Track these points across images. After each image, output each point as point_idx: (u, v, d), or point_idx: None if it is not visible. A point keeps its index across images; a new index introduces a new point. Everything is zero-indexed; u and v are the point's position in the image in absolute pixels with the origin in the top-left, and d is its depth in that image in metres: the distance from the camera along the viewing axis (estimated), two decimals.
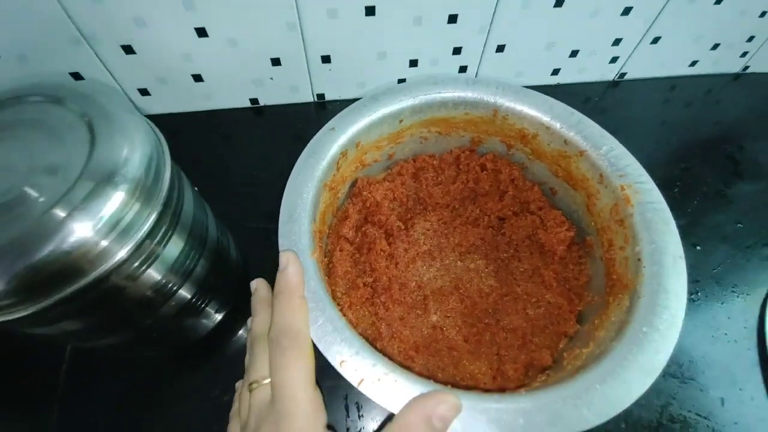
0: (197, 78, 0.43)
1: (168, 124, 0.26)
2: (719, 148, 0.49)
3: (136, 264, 0.22)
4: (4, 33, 0.36)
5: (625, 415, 0.32)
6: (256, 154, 0.45)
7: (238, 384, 0.26)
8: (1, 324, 0.20)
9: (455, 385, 0.23)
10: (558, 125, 0.31)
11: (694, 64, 0.53)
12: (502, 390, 0.26)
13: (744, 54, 0.53)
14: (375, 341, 0.29)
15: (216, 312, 0.33)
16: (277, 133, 0.46)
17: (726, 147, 0.49)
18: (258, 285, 0.25)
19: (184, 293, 0.28)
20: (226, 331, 0.34)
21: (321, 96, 0.48)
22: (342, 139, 0.30)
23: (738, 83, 0.56)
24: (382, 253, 0.31)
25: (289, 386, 0.20)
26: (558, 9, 0.42)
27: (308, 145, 0.30)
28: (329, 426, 0.21)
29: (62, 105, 0.21)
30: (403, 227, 0.34)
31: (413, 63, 0.45)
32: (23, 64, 0.38)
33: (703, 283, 0.39)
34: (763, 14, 0.48)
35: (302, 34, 0.40)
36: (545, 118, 0.32)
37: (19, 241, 0.19)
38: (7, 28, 0.35)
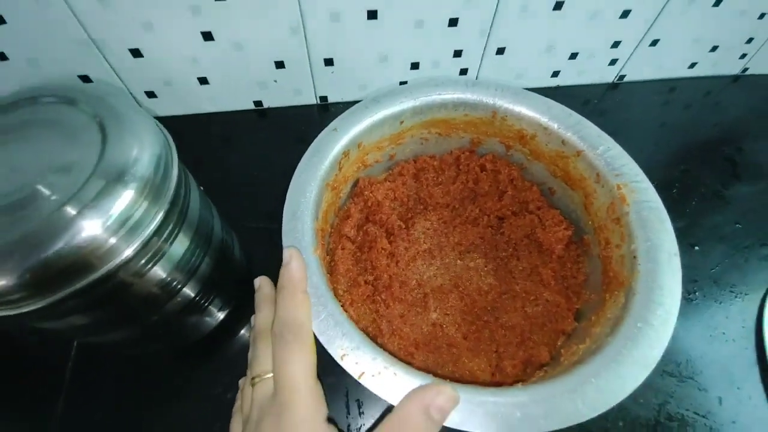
0: (203, 81, 0.44)
1: (173, 126, 0.26)
2: (718, 149, 0.49)
3: (144, 261, 0.23)
4: (14, 36, 0.36)
5: (623, 414, 0.32)
6: (260, 155, 0.45)
7: (241, 381, 0.26)
8: (12, 317, 0.20)
9: (454, 380, 0.24)
10: (556, 126, 0.32)
11: (693, 65, 0.53)
12: (500, 385, 0.26)
13: (743, 56, 0.54)
14: (376, 338, 0.29)
15: (219, 311, 0.33)
16: (281, 135, 0.47)
17: (724, 148, 0.49)
18: (261, 282, 0.26)
19: (189, 291, 0.28)
20: (228, 330, 0.34)
21: (324, 98, 0.49)
22: (344, 140, 0.31)
23: (737, 85, 0.56)
24: (383, 251, 0.32)
25: (292, 378, 0.20)
26: (557, 12, 0.42)
27: (311, 145, 0.31)
28: (330, 418, 0.21)
29: (75, 106, 0.22)
30: (403, 226, 0.34)
31: (415, 65, 0.46)
32: (33, 67, 0.39)
33: (701, 282, 0.39)
34: (761, 16, 0.48)
35: (305, 38, 0.41)
36: (543, 119, 0.32)
37: (31, 237, 0.19)
38: (17, 32, 0.36)
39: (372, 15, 0.39)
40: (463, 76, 0.48)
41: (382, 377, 0.21)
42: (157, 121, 0.25)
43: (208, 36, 0.39)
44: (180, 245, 0.25)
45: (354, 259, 0.32)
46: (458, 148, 0.38)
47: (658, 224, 0.26)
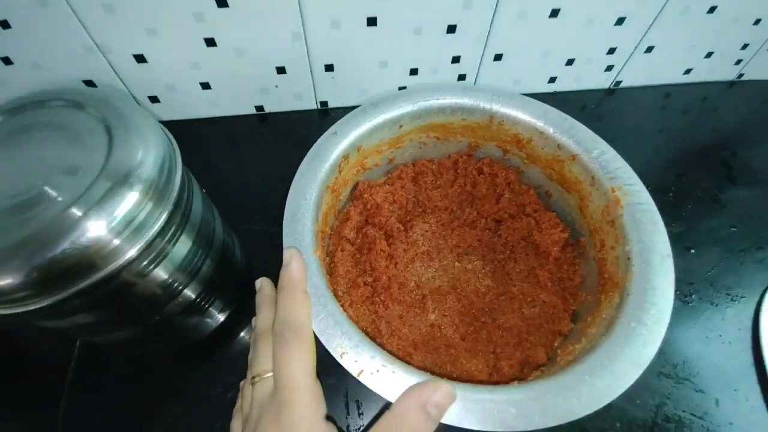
0: (205, 86, 0.44)
1: (176, 130, 0.27)
2: (713, 154, 0.49)
3: (147, 261, 0.23)
4: (19, 41, 0.37)
5: (620, 414, 0.32)
6: (261, 159, 0.46)
7: (241, 383, 0.27)
8: (18, 315, 0.21)
9: (452, 380, 0.24)
10: (551, 130, 0.32)
11: (688, 72, 0.54)
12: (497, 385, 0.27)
13: (738, 61, 0.54)
14: (375, 338, 0.30)
15: (219, 312, 0.34)
16: (281, 139, 0.47)
17: (720, 153, 0.49)
18: (263, 283, 0.26)
19: (190, 292, 0.29)
20: (228, 331, 0.35)
21: (324, 103, 0.49)
22: (344, 144, 0.32)
23: (733, 90, 0.57)
24: (382, 253, 0.32)
25: (292, 377, 0.21)
26: (553, 19, 0.43)
27: (312, 149, 0.31)
28: (328, 417, 0.21)
29: (82, 109, 0.23)
30: (402, 229, 0.35)
31: (413, 71, 0.46)
32: (37, 71, 0.40)
33: (697, 285, 0.39)
34: (756, 22, 0.49)
35: (306, 44, 0.42)
36: (539, 124, 0.33)
37: (37, 237, 0.20)
38: (22, 37, 0.37)
39: (371, 22, 0.40)
40: (461, 82, 0.49)
41: (381, 375, 0.22)
42: (162, 125, 0.26)
43: (210, 42, 0.40)
44: (182, 246, 0.26)
45: (353, 260, 0.33)
46: (456, 152, 0.38)
47: (651, 226, 0.27)
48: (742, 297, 0.38)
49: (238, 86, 0.45)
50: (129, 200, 0.21)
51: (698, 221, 0.43)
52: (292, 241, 0.26)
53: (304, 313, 0.23)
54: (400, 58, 0.45)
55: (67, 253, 0.20)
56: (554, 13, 0.42)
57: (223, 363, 0.34)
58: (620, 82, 0.54)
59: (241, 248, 0.36)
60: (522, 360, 0.29)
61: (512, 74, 0.49)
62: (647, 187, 0.29)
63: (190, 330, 0.32)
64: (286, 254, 0.25)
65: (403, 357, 0.29)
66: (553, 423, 0.20)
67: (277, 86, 0.46)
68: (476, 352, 0.30)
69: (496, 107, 0.34)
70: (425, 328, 0.31)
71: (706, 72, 0.55)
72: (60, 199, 0.20)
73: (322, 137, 0.32)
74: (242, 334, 0.35)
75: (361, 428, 0.31)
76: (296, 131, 0.48)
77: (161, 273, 0.25)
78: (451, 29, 0.42)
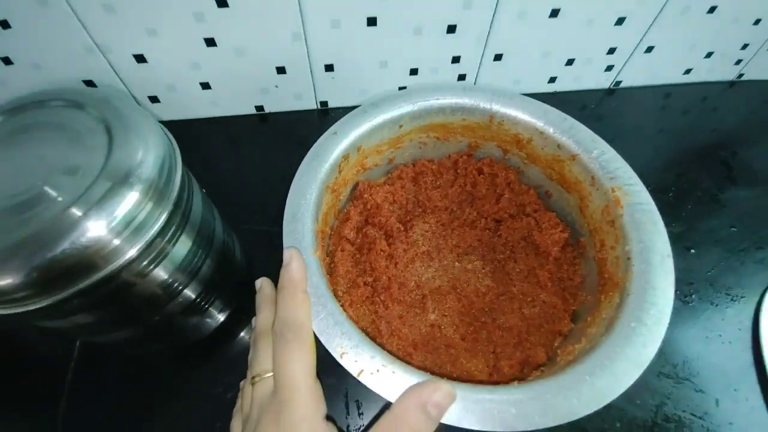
0: (205, 86, 0.44)
1: (176, 130, 0.27)
2: (713, 154, 0.49)
3: (147, 261, 0.23)
4: (19, 41, 0.37)
5: (620, 415, 0.32)
6: (261, 159, 0.46)
7: (241, 383, 0.27)
8: (18, 315, 0.21)
9: (452, 380, 0.24)
10: (551, 130, 0.32)
11: (688, 72, 0.54)
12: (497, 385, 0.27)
13: (738, 61, 0.54)
14: (375, 338, 0.30)
15: (219, 312, 0.34)
16: (281, 139, 0.47)
17: (720, 153, 0.49)
18: (263, 283, 0.26)
19: (190, 292, 0.29)
20: (228, 331, 0.35)
21: (324, 103, 0.49)
22: (344, 144, 0.32)
23: (733, 90, 0.57)
24: (382, 253, 0.32)
25: (292, 377, 0.21)
26: (553, 19, 0.43)
27: (312, 149, 0.31)
28: (329, 417, 0.21)
29: (82, 109, 0.23)
30: (402, 229, 0.35)
31: (414, 71, 0.46)
32: (37, 71, 0.40)
33: (697, 285, 0.39)
34: (756, 22, 0.49)
35: (306, 44, 0.42)
36: (539, 124, 0.33)
37: (37, 236, 0.20)
38: (22, 37, 0.37)
39: (371, 22, 0.40)
40: (461, 82, 0.49)
41: (381, 375, 0.22)
42: (162, 125, 0.26)
43: (210, 42, 0.40)
44: (182, 246, 0.26)
45: (353, 260, 0.33)
46: (456, 152, 0.38)
47: (651, 226, 0.27)
48: (742, 297, 0.39)
49: (238, 86, 0.45)
50: (129, 200, 0.21)
51: (698, 221, 0.43)
52: (292, 241, 0.26)
53: (304, 313, 0.23)
54: (400, 58, 0.45)
55: (67, 253, 0.20)
56: (554, 13, 0.42)
57: (223, 363, 0.34)
58: (620, 82, 0.54)
59: (241, 248, 0.36)
60: (522, 360, 0.29)
61: (512, 74, 0.49)
62: (647, 187, 0.30)
63: (190, 330, 0.33)
64: (286, 254, 0.25)
65: (403, 357, 0.29)
66: (553, 423, 0.20)
67: (277, 86, 0.46)
68: (476, 352, 0.30)
69: (496, 107, 0.34)
70: (425, 328, 0.31)
71: (706, 72, 0.55)
72: (60, 199, 0.20)
73: (322, 137, 0.32)
74: (242, 334, 0.35)
75: (362, 428, 0.31)
76: (296, 131, 0.48)
77: (161, 273, 0.25)
78: (451, 29, 0.42)
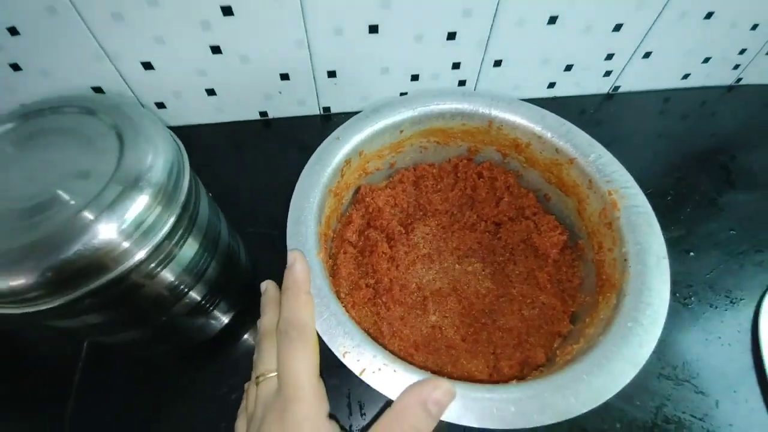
0: (210, 92, 0.45)
1: (182, 136, 0.27)
2: (712, 158, 0.50)
3: (155, 263, 0.24)
4: (28, 48, 0.38)
5: (620, 416, 0.32)
6: (265, 164, 0.47)
7: (246, 384, 0.27)
8: (30, 315, 0.21)
9: (452, 380, 0.24)
10: (549, 135, 0.33)
11: (686, 77, 0.55)
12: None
13: (736, 66, 0.55)
14: (376, 339, 0.30)
15: (224, 314, 0.34)
16: (285, 144, 0.48)
17: (719, 157, 0.50)
18: (267, 285, 0.27)
19: (196, 294, 0.29)
20: (233, 333, 0.35)
21: (327, 109, 0.50)
22: (346, 148, 0.32)
23: (731, 95, 0.57)
24: (383, 255, 0.33)
25: (296, 375, 0.21)
26: (552, 25, 0.44)
27: (314, 153, 0.32)
28: (331, 415, 0.22)
29: (94, 116, 0.24)
30: (403, 232, 0.35)
31: (414, 77, 0.47)
32: (45, 77, 0.40)
33: (696, 288, 0.39)
34: (754, 27, 0.49)
35: (310, 51, 0.42)
36: (537, 128, 0.33)
37: (50, 239, 0.20)
38: (31, 44, 0.37)
39: (373, 29, 0.41)
40: (461, 87, 0.49)
41: (383, 374, 0.22)
42: (170, 131, 0.27)
43: (216, 49, 0.41)
44: (189, 249, 0.26)
45: (356, 263, 0.33)
46: (456, 156, 0.39)
47: (647, 228, 0.27)
48: (741, 299, 0.39)
49: (242, 92, 0.46)
50: (139, 204, 0.22)
51: (697, 225, 0.44)
52: (295, 244, 0.27)
53: (307, 314, 0.23)
54: (401, 64, 0.45)
55: (79, 254, 0.20)
56: (552, 20, 0.43)
57: (227, 364, 0.34)
58: (619, 87, 0.54)
59: (245, 251, 0.37)
60: (522, 361, 0.29)
61: (512, 80, 0.50)
62: (646, 191, 0.30)
63: (196, 331, 0.33)
64: (290, 256, 0.25)
65: (405, 358, 0.29)
66: (551, 420, 0.21)
67: (280, 92, 0.47)
68: (476, 353, 0.31)
69: (495, 112, 0.34)
70: (426, 330, 0.32)
71: (705, 77, 0.55)
72: (72, 202, 0.21)
73: (324, 142, 0.32)
74: (246, 336, 0.36)
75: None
76: (299, 136, 0.48)
77: (168, 275, 0.26)
78: (451, 36, 0.43)
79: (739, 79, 0.57)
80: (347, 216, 0.36)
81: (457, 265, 0.35)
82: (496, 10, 0.41)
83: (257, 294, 0.27)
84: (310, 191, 0.29)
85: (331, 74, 0.45)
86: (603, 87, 0.54)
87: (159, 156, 0.23)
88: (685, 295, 0.39)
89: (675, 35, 0.48)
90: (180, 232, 0.25)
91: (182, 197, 0.24)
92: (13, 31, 0.36)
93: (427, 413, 0.20)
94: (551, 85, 0.52)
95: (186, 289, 0.28)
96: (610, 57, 0.49)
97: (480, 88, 0.50)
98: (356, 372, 0.22)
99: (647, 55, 0.50)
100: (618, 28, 0.45)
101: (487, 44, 0.45)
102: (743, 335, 0.37)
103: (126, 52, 0.40)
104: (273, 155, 0.47)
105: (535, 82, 0.51)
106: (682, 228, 0.43)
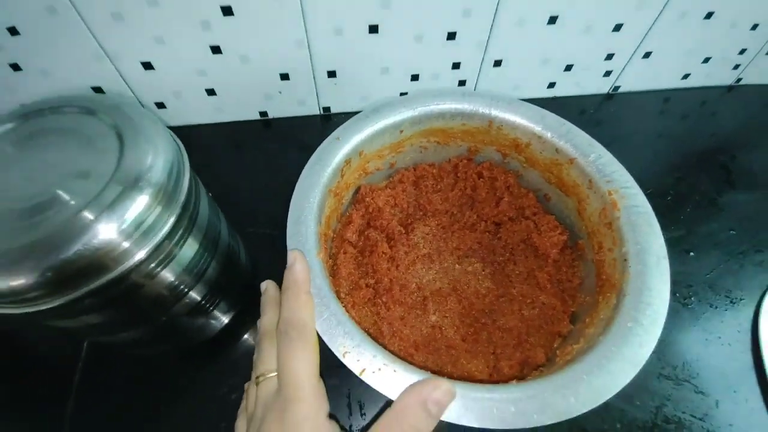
0: (210, 92, 0.45)
1: (182, 136, 0.27)
2: (712, 158, 0.50)
3: (155, 263, 0.24)
4: (28, 48, 0.38)
5: (620, 416, 0.32)
6: (265, 164, 0.47)
7: (246, 385, 0.27)
8: (31, 315, 0.21)
9: (452, 380, 0.24)
10: (549, 135, 0.33)
11: (686, 77, 0.55)
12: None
13: (736, 66, 0.55)
14: (377, 339, 0.30)
15: (224, 314, 0.34)
16: (285, 144, 0.48)
17: (719, 157, 0.50)
18: (267, 286, 0.27)
19: (196, 294, 0.29)
20: (233, 333, 0.35)
21: (327, 109, 0.50)
22: (346, 148, 0.32)
23: (732, 95, 0.57)
24: (383, 255, 0.33)
25: (296, 375, 0.21)
26: (552, 26, 0.44)
27: (314, 153, 0.32)
28: (331, 415, 0.22)
29: (94, 116, 0.24)
30: (403, 232, 0.35)
31: (415, 77, 0.47)
32: (45, 77, 0.40)
33: (696, 288, 0.39)
34: (754, 27, 0.49)
35: (310, 51, 0.42)
36: (537, 128, 0.33)
37: (50, 238, 0.20)
38: (31, 44, 0.37)
39: (373, 29, 0.41)
40: (461, 87, 0.49)
41: (383, 374, 0.22)
42: (170, 131, 0.27)
43: (216, 49, 0.41)
44: (189, 249, 0.26)
45: (356, 263, 0.33)
46: (456, 156, 0.39)
47: (647, 228, 0.27)
48: (741, 299, 0.39)
49: (242, 92, 0.46)
50: (139, 204, 0.22)
51: (697, 225, 0.44)
52: (295, 244, 0.27)
53: (307, 313, 0.23)
54: (401, 64, 0.45)
55: (79, 254, 0.20)
56: (552, 20, 0.43)
57: (227, 364, 0.34)
58: (619, 87, 0.54)
59: (245, 251, 0.37)
60: (522, 361, 0.29)
61: (512, 80, 0.50)
62: (646, 191, 0.30)
63: (196, 331, 0.33)
64: (290, 256, 0.25)
65: (405, 358, 0.29)
66: (551, 420, 0.21)
67: (280, 92, 0.47)
68: (476, 353, 0.31)
69: (495, 112, 0.34)
70: (426, 330, 0.32)
71: (705, 77, 0.55)
72: (72, 202, 0.21)
73: (324, 142, 0.32)
74: (246, 336, 0.36)
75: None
76: (299, 136, 0.48)
77: (168, 275, 0.26)
78: (451, 36, 0.43)
79: (739, 79, 0.57)
80: (347, 216, 0.36)
81: (457, 265, 0.35)
82: (496, 10, 0.41)
83: (257, 294, 0.27)
84: (310, 191, 0.29)
85: (331, 74, 0.45)
86: (603, 87, 0.54)
87: (159, 156, 0.23)
88: (685, 295, 0.39)
89: (675, 35, 0.48)
90: (180, 232, 0.25)
91: (182, 197, 0.24)
92: (13, 31, 0.36)
93: (427, 413, 0.20)
94: (551, 85, 0.52)
95: (186, 289, 0.28)
96: (610, 57, 0.49)
97: (480, 88, 0.50)
98: (356, 372, 0.22)
99: (647, 55, 0.50)
100: (618, 28, 0.45)
101: (487, 44, 0.45)
102: (743, 335, 0.37)
103: (126, 52, 0.40)
104: (273, 155, 0.47)
105: (535, 82, 0.51)
106: (682, 228, 0.43)
